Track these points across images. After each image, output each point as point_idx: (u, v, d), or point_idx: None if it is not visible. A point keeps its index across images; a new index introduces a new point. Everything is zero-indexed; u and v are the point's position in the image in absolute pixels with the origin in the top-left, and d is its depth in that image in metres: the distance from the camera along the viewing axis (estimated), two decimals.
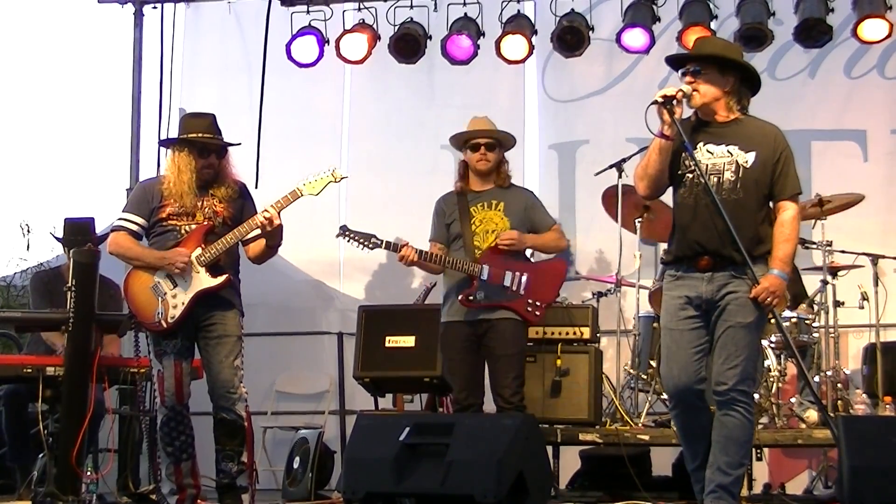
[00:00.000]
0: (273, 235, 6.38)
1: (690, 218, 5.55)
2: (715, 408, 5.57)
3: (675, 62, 5.82)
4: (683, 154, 5.56)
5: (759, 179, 5.50)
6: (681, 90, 5.51)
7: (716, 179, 5.49)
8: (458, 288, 6.76)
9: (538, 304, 6.75)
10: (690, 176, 5.55)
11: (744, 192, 5.48)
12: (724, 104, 5.61)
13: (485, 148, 6.85)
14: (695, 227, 5.53)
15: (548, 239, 6.89)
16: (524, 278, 6.71)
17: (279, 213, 6.30)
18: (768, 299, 5.41)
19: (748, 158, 5.51)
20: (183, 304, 6.27)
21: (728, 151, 5.53)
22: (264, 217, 6.26)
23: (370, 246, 6.78)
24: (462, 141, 6.97)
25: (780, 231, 5.50)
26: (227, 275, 6.31)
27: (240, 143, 6.73)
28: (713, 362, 5.52)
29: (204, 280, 6.28)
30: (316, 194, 6.40)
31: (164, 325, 6.27)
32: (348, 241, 6.81)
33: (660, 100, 5.48)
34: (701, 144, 5.57)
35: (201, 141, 6.39)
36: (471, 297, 6.69)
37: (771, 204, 5.61)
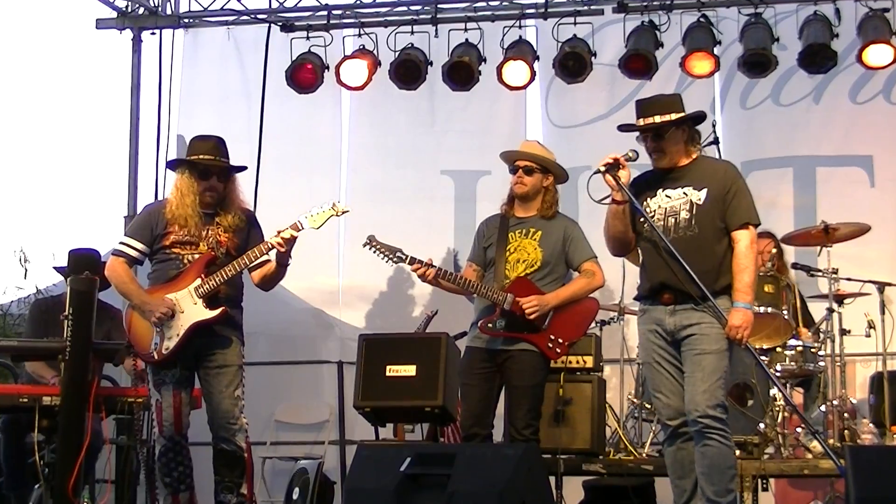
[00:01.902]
0: (285, 254, 6.36)
1: (651, 259, 5.87)
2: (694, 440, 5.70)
3: (633, 129, 6.01)
4: (644, 203, 5.84)
5: (712, 214, 5.78)
6: (625, 154, 5.82)
7: (673, 220, 5.81)
8: (482, 314, 6.76)
9: (561, 341, 6.70)
10: (646, 221, 5.84)
11: (699, 228, 5.77)
12: (684, 151, 5.92)
13: (522, 171, 6.81)
14: (655, 267, 5.83)
15: (575, 288, 6.76)
16: (550, 313, 6.70)
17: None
18: (738, 335, 5.65)
19: (701, 196, 5.79)
20: (178, 335, 6.27)
21: (683, 193, 5.83)
22: (280, 239, 6.23)
23: (395, 260, 6.78)
24: (508, 162, 6.96)
25: (736, 262, 5.76)
26: (223, 308, 6.29)
27: (245, 168, 6.71)
28: (685, 392, 5.69)
29: (200, 312, 6.27)
30: (317, 228, 6.38)
31: (156, 357, 6.27)
32: (374, 251, 6.81)
33: (602, 168, 5.80)
34: (660, 191, 5.89)
35: (202, 163, 6.40)
36: (490, 325, 6.68)
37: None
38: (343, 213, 6.42)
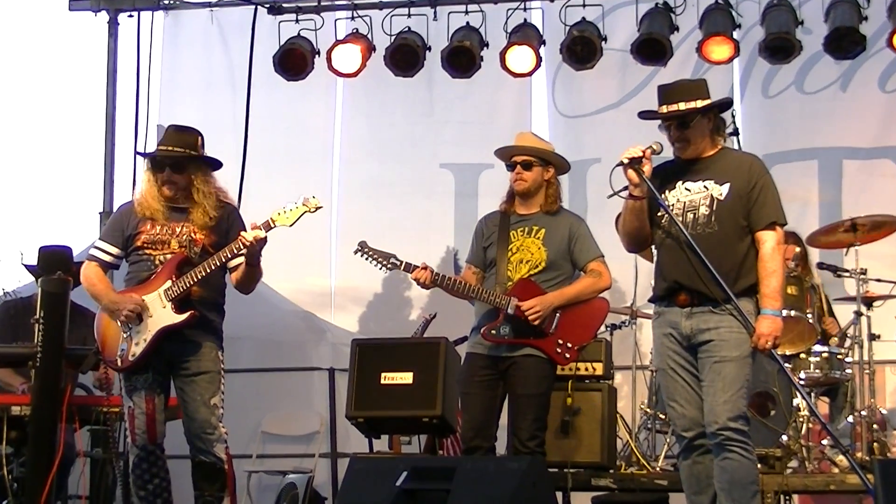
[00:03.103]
0: (254, 254, 6.34)
1: (667, 256, 5.84)
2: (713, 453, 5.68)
3: (654, 116, 5.96)
4: (662, 196, 5.82)
5: (734, 211, 5.74)
6: (650, 147, 5.76)
7: (692, 215, 5.78)
8: (484, 319, 6.74)
9: (570, 345, 6.67)
10: (663, 214, 5.82)
11: (718, 225, 5.74)
12: (710, 142, 5.90)
13: (520, 167, 6.79)
14: (671, 264, 5.81)
15: (580, 288, 6.74)
16: (557, 316, 6.68)
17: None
18: (767, 344, 5.62)
19: (722, 191, 5.76)
20: (145, 341, 6.25)
21: (704, 186, 5.80)
22: (248, 240, 6.20)
23: (389, 266, 6.77)
24: (503, 159, 6.95)
25: (763, 266, 5.72)
26: (191, 312, 6.27)
27: (202, 157, 6.48)
28: (704, 403, 5.66)
29: (168, 317, 6.25)
30: (289, 225, 6.34)
31: (121, 364, 6.25)
32: (366, 258, 6.80)
33: (625, 161, 5.75)
34: (679, 183, 5.85)
35: (157, 153, 6.42)
36: (493, 332, 6.66)
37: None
38: (317, 208, 6.37)
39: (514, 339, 6.64)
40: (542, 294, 6.63)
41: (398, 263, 6.73)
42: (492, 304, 6.66)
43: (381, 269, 6.81)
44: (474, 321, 6.84)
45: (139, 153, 6.53)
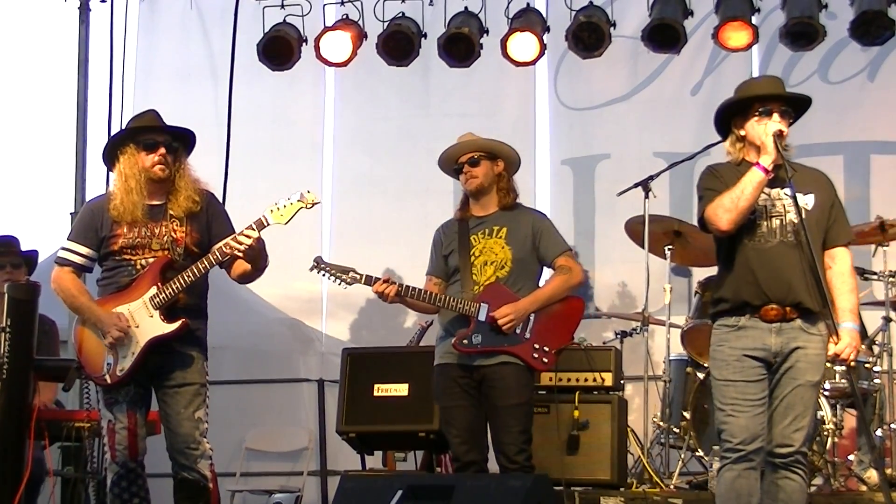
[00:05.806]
0: (256, 259, 6.36)
1: (757, 264, 5.84)
2: (768, 470, 5.78)
3: (763, 100, 5.94)
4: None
5: (819, 223, 5.87)
6: (779, 129, 5.83)
7: (778, 222, 5.84)
8: (452, 328, 6.74)
9: (547, 349, 6.70)
10: (752, 217, 5.85)
11: (808, 236, 5.78)
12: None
13: (468, 165, 6.87)
14: (762, 273, 5.82)
15: (553, 288, 6.78)
16: (531, 319, 6.70)
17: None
18: (854, 355, 5.83)
19: (807, 201, 5.86)
20: (133, 354, 6.24)
21: (784, 194, 5.85)
22: (242, 243, 6.20)
23: (348, 281, 6.77)
24: (449, 166, 6.99)
25: (844, 280, 5.88)
26: (183, 320, 6.28)
27: (189, 131, 6.52)
28: (775, 421, 5.77)
29: (157, 326, 6.24)
30: (284, 223, 6.33)
31: (109, 381, 6.25)
32: (323, 275, 6.84)
33: (776, 132, 5.80)
34: None
35: (146, 133, 6.36)
36: (465, 341, 6.67)
37: None
38: (314, 204, 6.38)
39: (488, 348, 6.64)
40: (514, 298, 6.66)
41: (358, 277, 6.74)
42: (461, 313, 6.68)
43: (339, 284, 6.82)
44: (439, 331, 6.86)
45: (125, 134, 6.47)
